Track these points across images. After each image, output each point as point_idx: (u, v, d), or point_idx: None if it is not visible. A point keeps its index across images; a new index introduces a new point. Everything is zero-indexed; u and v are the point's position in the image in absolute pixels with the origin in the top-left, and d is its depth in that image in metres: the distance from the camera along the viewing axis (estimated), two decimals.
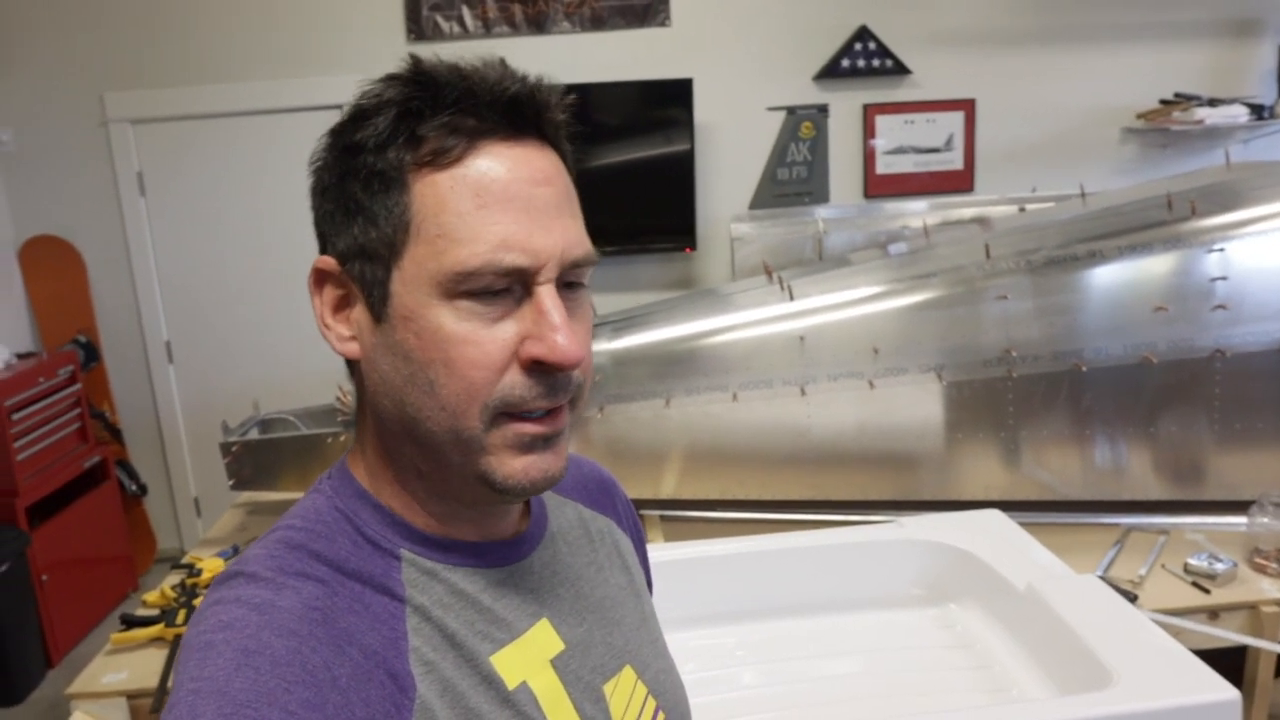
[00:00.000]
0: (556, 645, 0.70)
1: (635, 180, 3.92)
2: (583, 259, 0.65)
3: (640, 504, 2.36)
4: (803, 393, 2.19)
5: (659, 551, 1.83)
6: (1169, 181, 2.53)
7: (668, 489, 2.32)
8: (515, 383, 0.62)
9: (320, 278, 0.67)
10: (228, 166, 3.95)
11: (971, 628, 1.72)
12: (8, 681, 3.23)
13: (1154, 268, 2.08)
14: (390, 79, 0.63)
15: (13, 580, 3.22)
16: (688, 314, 2.37)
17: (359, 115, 0.64)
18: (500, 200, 0.61)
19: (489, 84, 0.62)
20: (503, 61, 0.65)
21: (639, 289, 4.02)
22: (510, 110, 0.63)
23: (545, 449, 0.65)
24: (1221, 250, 2.03)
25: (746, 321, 2.28)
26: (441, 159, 0.62)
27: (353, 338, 0.66)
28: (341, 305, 0.67)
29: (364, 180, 0.63)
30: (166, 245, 4.03)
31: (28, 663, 3.32)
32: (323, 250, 0.67)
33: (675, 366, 2.27)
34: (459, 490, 0.67)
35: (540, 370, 0.62)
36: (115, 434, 4.09)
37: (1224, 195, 2.16)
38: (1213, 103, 3.78)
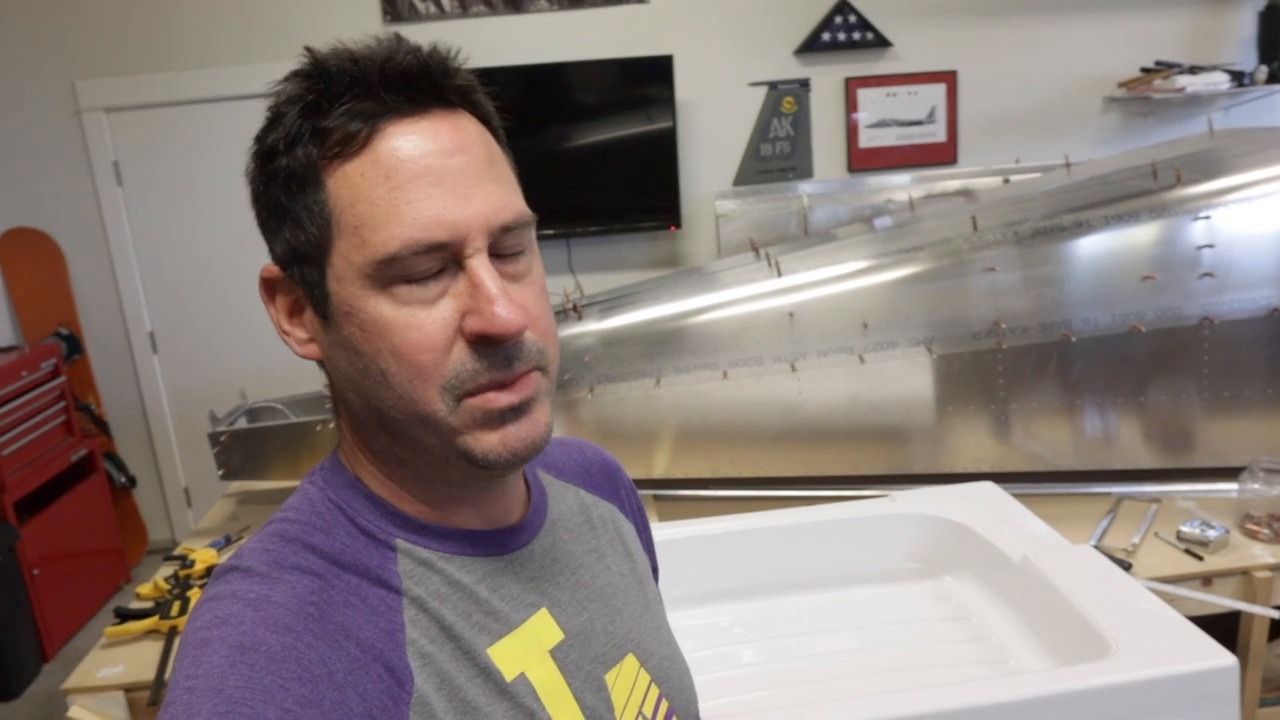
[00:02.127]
0: (556, 635, 0.69)
1: (617, 159, 3.90)
2: (512, 221, 0.63)
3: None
4: (793, 369, 2.19)
5: (654, 531, 1.83)
6: (1153, 150, 2.54)
7: (660, 468, 2.32)
8: (463, 359, 0.61)
9: (270, 286, 0.67)
10: (204, 153, 3.90)
11: (967, 600, 1.73)
12: (3, 677, 3.22)
13: (1140, 237, 2.09)
14: (291, 76, 0.63)
15: (3, 575, 3.20)
16: (676, 292, 2.37)
17: (272, 119, 0.63)
18: (411, 178, 0.60)
19: (378, 63, 0.61)
20: (397, 36, 0.64)
21: (625, 269, 4.01)
22: (405, 85, 0.62)
23: (519, 417, 0.63)
24: (1207, 218, 2.04)
25: (735, 299, 2.28)
26: (348, 148, 0.61)
27: (310, 340, 0.66)
28: (296, 309, 0.66)
29: (283, 183, 0.63)
30: (146, 235, 3.98)
31: (22, 657, 3.30)
32: (271, 260, 0.67)
33: (664, 345, 2.26)
34: (446, 473, 0.66)
35: (486, 344, 0.61)
36: (102, 426, 4.05)
37: (1208, 163, 2.16)
38: (1193, 70, 3.78)
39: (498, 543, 0.69)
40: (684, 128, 3.92)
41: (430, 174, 0.60)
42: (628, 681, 0.73)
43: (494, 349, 0.61)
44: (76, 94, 3.83)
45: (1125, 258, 2.09)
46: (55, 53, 3.80)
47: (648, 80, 3.82)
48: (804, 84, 3.99)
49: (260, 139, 0.64)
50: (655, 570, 0.91)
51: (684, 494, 2.34)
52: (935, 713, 1.28)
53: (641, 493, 2.37)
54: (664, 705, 0.76)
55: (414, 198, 0.59)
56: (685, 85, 3.85)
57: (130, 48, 3.81)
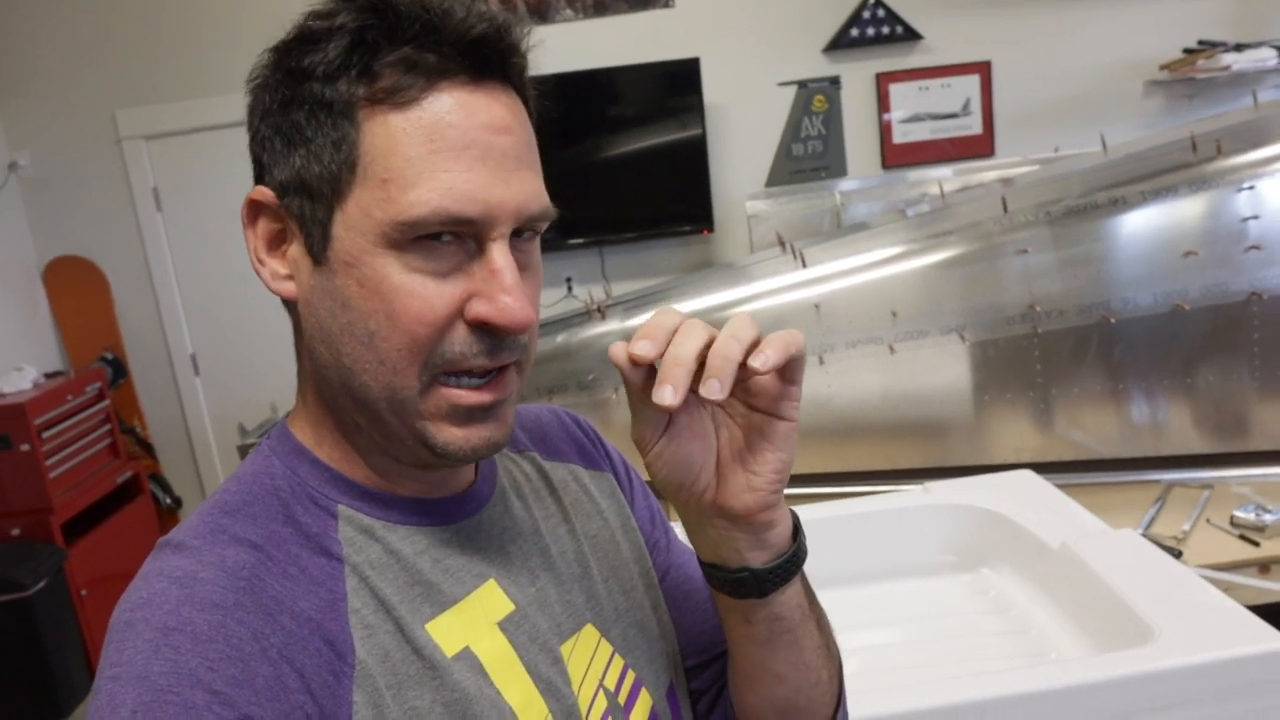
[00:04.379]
0: (505, 607, 0.65)
1: (649, 166, 3.87)
2: (540, 215, 0.61)
3: None
4: (821, 362, 2.14)
5: (680, 528, 1.79)
6: (1194, 126, 2.44)
7: None
8: (458, 339, 0.59)
9: (254, 210, 0.63)
10: (239, 176, 3.92)
11: (1006, 592, 1.65)
12: (52, 697, 3.26)
13: (1181, 211, 2.00)
14: (345, 1, 0.58)
15: (52, 596, 3.25)
16: (700, 289, 2.33)
17: (308, 37, 0.59)
18: (455, 147, 0.57)
19: (454, 20, 0.57)
20: None
21: (659, 274, 3.97)
22: (474, 51, 0.58)
23: (486, 418, 0.61)
24: (1251, 188, 1.95)
25: (759, 292, 2.23)
26: (396, 98, 0.57)
27: (288, 276, 0.62)
28: (277, 241, 0.63)
29: (309, 110, 0.59)
30: (185, 258, 4.05)
31: (71, 677, 3.34)
32: (258, 179, 0.63)
33: None
34: (398, 450, 0.63)
35: (486, 330, 0.59)
36: (147, 448, 4.12)
37: (1251, 132, 2.07)
38: (1239, 48, 3.65)
39: (444, 512, 0.66)
40: (714, 130, 3.88)
41: (476, 147, 0.57)
42: (586, 652, 0.69)
43: (490, 336, 0.59)
44: (117, 123, 3.92)
45: (1165, 234, 2.01)
46: (95, 84, 3.89)
47: (676, 84, 3.80)
48: (834, 81, 3.93)
49: (287, 53, 0.60)
50: (647, 514, 0.84)
51: None
52: (974, 702, 1.22)
53: None
54: (630, 676, 0.71)
55: (454, 167, 0.57)
56: (714, 88, 3.82)
57: (166, 76, 3.89)
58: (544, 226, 0.63)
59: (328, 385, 0.63)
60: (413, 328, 0.58)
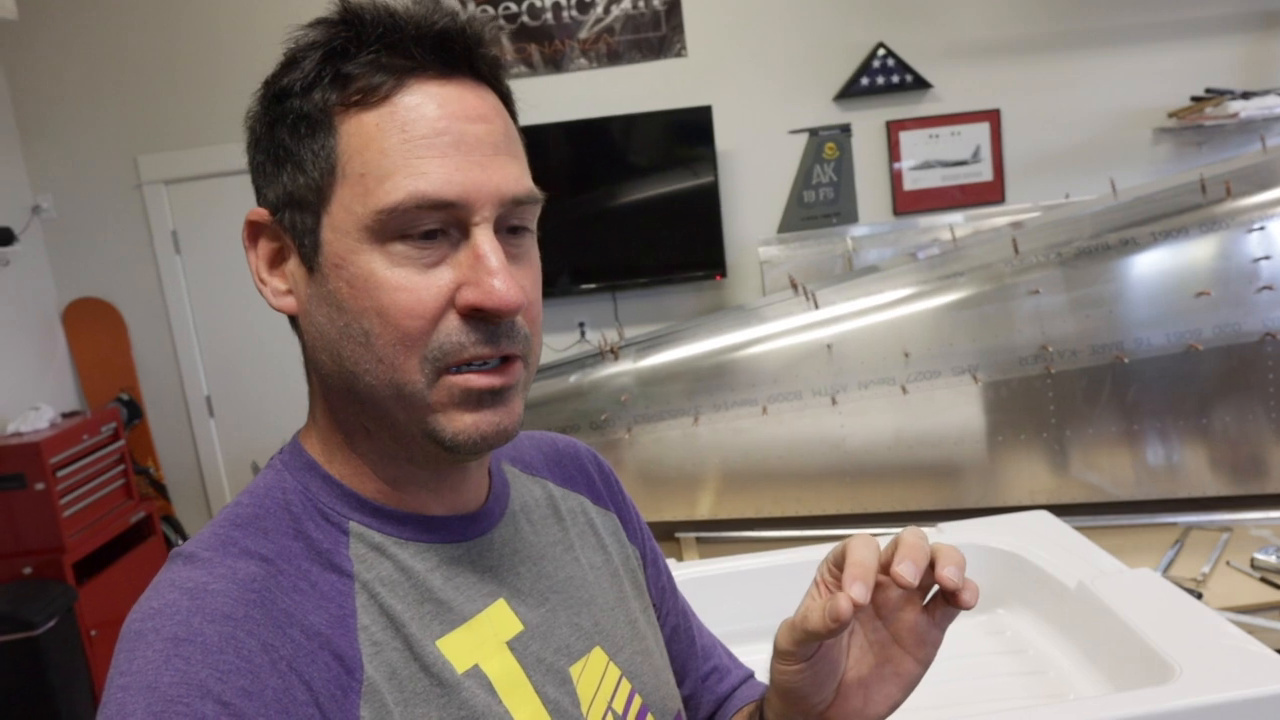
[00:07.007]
0: (514, 626, 0.65)
1: (662, 212, 3.91)
2: (524, 196, 0.61)
3: (675, 526, 2.31)
4: (834, 402, 2.14)
5: (691, 568, 1.77)
6: (1203, 170, 2.46)
7: (703, 510, 2.27)
8: (452, 329, 0.59)
9: (254, 231, 0.65)
10: None
11: (1022, 632, 1.63)
12: None
13: (1192, 252, 2.01)
14: (316, 22, 0.61)
15: (62, 636, 3.24)
16: (713, 330, 2.33)
17: (288, 62, 0.62)
18: (428, 135, 0.58)
19: (416, 20, 0.60)
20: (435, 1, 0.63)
21: (671, 319, 3.99)
22: (439, 46, 0.60)
23: (495, 403, 0.61)
24: (1262, 229, 1.96)
25: (772, 333, 2.24)
26: (369, 98, 0.59)
27: (288, 291, 0.64)
28: (277, 259, 0.64)
29: (291, 125, 0.61)
30: (202, 301, 4.10)
31: (78, 718, 3.32)
32: (259, 205, 0.65)
33: (702, 382, 2.23)
34: (409, 450, 0.63)
35: (479, 318, 0.59)
36: (160, 489, 4.12)
37: (1260, 174, 2.09)
38: (1246, 95, 3.69)
39: (455, 530, 0.66)
40: (726, 177, 3.93)
41: (449, 134, 0.59)
42: (595, 675, 0.69)
43: (485, 324, 0.59)
44: (138, 168, 3.99)
45: (1176, 274, 2.01)
46: (117, 130, 3.97)
47: (689, 132, 3.85)
48: (845, 129, 3.98)
49: (271, 82, 0.63)
50: (651, 557, 0.86)
51: (728, 535, 2.28)
52: None
53: (684, 535, 2.32)
54: (637, 700, 0.71)
55: (427, 154, 0.58)
56: (726, 135, 3.87)
57: (186, 122, 3.96)
58: (533, 216, 0.64)
59: (335, 395, 0.64)
60: (403, 321, 0.58)
